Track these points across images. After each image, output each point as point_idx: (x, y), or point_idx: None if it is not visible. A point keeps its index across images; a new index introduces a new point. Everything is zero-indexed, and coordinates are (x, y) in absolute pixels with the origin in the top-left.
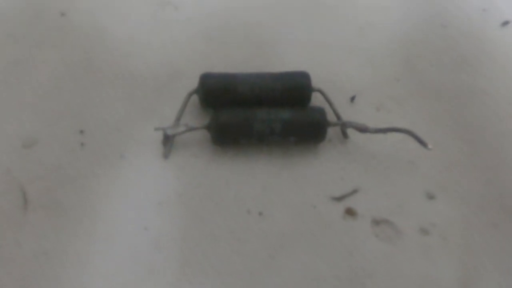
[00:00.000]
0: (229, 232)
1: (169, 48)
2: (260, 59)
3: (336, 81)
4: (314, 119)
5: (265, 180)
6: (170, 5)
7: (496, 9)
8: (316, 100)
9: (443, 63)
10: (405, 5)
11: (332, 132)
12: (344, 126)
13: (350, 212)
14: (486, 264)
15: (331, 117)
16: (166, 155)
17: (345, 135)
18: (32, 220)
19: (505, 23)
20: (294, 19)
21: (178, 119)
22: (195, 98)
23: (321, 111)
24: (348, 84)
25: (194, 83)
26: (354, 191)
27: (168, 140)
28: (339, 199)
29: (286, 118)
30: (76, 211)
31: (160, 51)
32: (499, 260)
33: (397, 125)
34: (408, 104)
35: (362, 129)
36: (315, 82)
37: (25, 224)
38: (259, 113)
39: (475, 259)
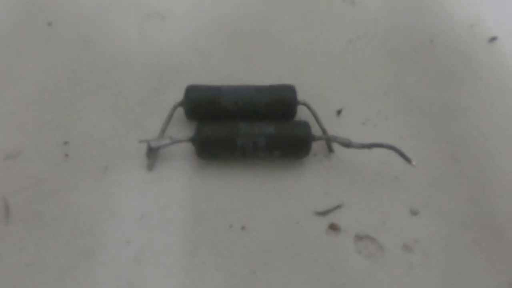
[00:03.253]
0: (211, 246)
1: (155, 59)
2: (246, 71)
3: (322, 94)
4: (298, 134)
5: (248, 194)
6: (157, 15)
7: (484, 25)
8: (302, 113)
9: (430, 78)
10: (394, 19)
11: (317, 146)
12: (329, 141)
13: (333, 227)
14: (468, 283)
15: (316, 130)
16: (150, 167)
17: (330, 149)
18: (13, 233)
19: (493, 39)
20: (281, 31)
21: (163, 131)
22: (180, 110)
23: (306, 126)
24: (334, 97)
25: (179, 94)
26: (338, 206)
27: (152, 153)
28: (323, 214)
29: (270, 133)
30: (57, 224)
31: (145, 62)
32: (479, 278)
33: (383, 140)
34: (395, 118)
35: (347, 144)
36: (302, 95)
37: (6, 236)
38: (242, 127)
39: (456, 277)
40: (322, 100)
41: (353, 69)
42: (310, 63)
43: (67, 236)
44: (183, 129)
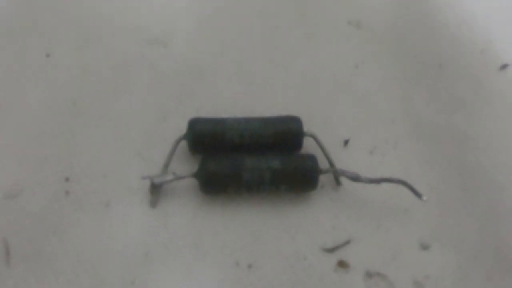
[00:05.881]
0: (217, 285)
1: (157, 87)
2: (250, 98)
3: (329, 121)
4: (305, 167)
5: (254, 230)
6: (158, 43)
7: (495, 51)
8: (308, 143)
9: (439, 103)
10: (401, 43)
11: (325, 177)
12: (337, 174)
13: (342, 264)
14: None
15: (323, 162)
16: (153, 204)
17: (338, 182)
18: (15, 273)
19: (504, 66)
20: (286, 56)
21: (166, 166)
22: (183, 143)
23: (312, 159)
24: (341, 125)
25: (182, 124)
26: (347, 242)
27: (155, 189)
28: (331, 250)
29: (276, 167)
30: (60, 263)
31: (147, 90)
32: None
33: (391, 169)
34: (403, 146)
35: (355, 179)
36: (307, 122)
37: (8, 278)
38: (248, 162)
39: None
40: (328, 128)
41: (359, 95)
42: (315, 88)
43: (69, 274)
44: (186, 163)
